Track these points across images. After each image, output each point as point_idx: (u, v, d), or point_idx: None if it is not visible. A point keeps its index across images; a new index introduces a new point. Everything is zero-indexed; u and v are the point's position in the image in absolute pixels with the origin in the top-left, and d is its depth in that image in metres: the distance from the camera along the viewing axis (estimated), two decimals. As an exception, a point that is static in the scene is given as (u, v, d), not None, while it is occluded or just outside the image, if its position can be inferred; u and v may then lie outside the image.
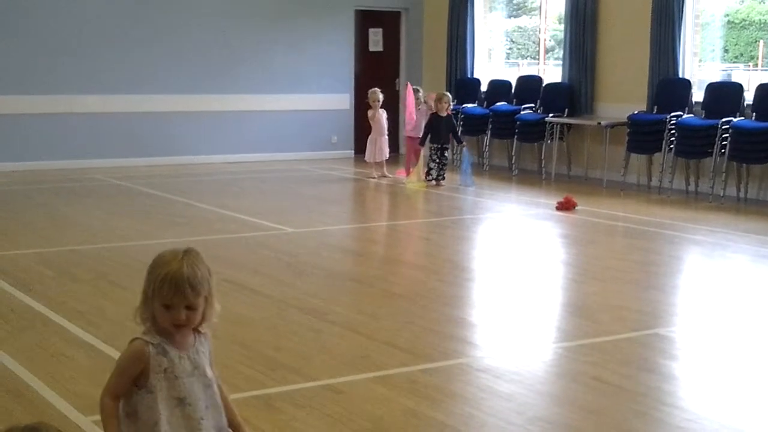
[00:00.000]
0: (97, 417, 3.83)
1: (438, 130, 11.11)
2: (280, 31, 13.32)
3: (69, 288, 6.08)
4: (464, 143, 11.42)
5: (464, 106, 12.82)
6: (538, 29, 14.00)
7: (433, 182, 10.98)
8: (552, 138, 11.81)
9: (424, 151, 11.24)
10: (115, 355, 4.66)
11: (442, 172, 11.08)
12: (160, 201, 9.81)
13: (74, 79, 12.14)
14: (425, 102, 11.58)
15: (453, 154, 11.66)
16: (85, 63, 12.17)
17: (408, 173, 11.41)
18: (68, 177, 11.35)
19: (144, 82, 12.54)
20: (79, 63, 12.15)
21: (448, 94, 11.58)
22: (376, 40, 14.41)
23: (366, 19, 14.26)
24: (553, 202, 9.53)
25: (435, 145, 11.10)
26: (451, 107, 11.61)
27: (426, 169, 11.06)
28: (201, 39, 12.84)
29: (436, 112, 11.17)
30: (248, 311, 5.56)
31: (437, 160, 11.08)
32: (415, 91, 11.71)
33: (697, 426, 3.85)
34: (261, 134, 13.36)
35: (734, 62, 15.02)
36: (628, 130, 10.86)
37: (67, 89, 12.12)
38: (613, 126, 11.13)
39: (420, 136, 11.38)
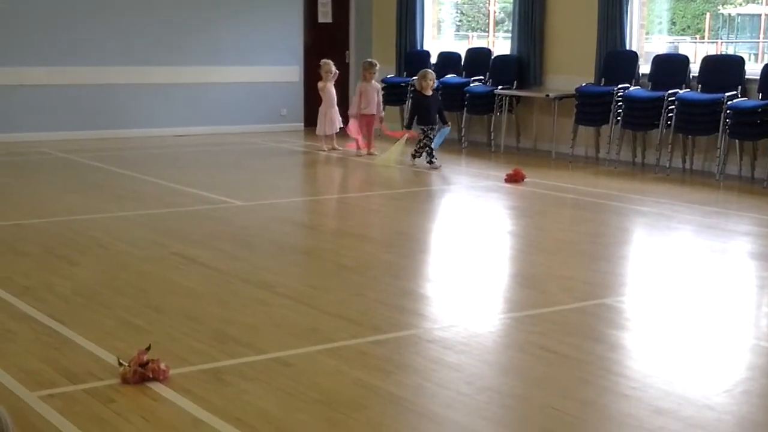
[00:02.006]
0: (45, 392, 3.83)
1: (427, 110, 10.41)
2: (228, 3, 13.19)
3: (15, 263, 6.00)
4: (449, 123, 10.78)
5: (414, 78, 12.79)
6: (487, 2, 14.02)
7: (433, 164, 10.24)
8: (501, 110, 11.85)
9: (408, 132, 10.58)
10: (63, 330, 4.63)
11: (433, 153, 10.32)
12: (108, 175, 9.71)
13: (20, 50, 11.93)
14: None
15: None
16: (30, 34, 11.96)
17: (358, 147, 11.35)
18: (14, 151, 11.18)
19: (91, 54, 12.36)
20: (25, 34, 11.94)
21: (432, 71, 10.86)
22: (324, 12, 14.32)
23: (315, -9, 14.16)
24: (502, 174, 9.58)
25: (424, 127, 10.37)
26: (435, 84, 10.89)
27: (428, 152, 10.28)
28: (148, 10, 12.68)
29: (420, 92, 10.56)
30: (197, 284, 5.54)
31: (427, 142, 10.33)
32: (371, 65, 11.54)
33: (642, 394, 3.92)
34: (210, 107, 13.26)
35: (681, 35, 15.17)
36: (576, 102, 10.94)
37: (13, 61, 11.91)
38: (561, 98, 11.21)
39: (372, 113, 11.30)
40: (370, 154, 11.18)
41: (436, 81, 10.88)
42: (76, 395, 3.82)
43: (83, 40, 12.29)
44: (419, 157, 10.41)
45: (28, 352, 4.33)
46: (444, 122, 10.69)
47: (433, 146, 10.36)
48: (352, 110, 11.43)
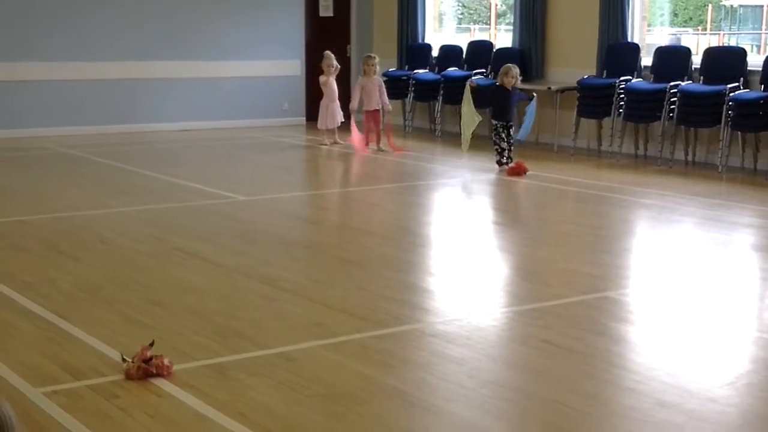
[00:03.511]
0: (48, 388, 3.83)
1: (506, 105, 9.82)
2: (229, -3, 13.19)
3: (17, 259, 6.01)
4: (535, 95, 10.04)
5: (415, 71, 12.80)
6: (488, -6, 14.00)
7: (505, 167, 9.59)
8: (503, 103, 11.81)
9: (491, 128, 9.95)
10: (66, 326, 4.63)
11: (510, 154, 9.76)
12: (109, 170, 9.71)
13: (21, 46, 11.92)
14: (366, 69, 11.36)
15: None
16: (32, 30, 11.95)
17: (367, 142, 11.27)
18: (16, 146, 11.18)
19: (93, 50, 12.34)
20: (26, 30, 11.92)
21: (515, 67, 10.00)
22: (326, 6, 14.30)
23: (316, -16, 14.14)
24: (505, 167, 9.57)
25: (500, 123, 9.77)
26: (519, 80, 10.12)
27: (498, 152, 9.73)
28: (150, 5, 12.65)
29: (501, 85, 9.91)
30: (200, 280, 5.54)
31: (506, 139, 9.73)
32: (370, 58, 11.50)
33: (645, 387, 3.92)
34: (211, 101, 13.24)
35: (683, 26, 15.15)
36: (578, 94, 10.92)
37: (14, 57, 11.90)
38: (563, 91, 11.19)
39: (374, 109, 11.25)
40: (380, 149, 11.12)
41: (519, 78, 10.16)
42: (79, 391, 3.82)
43: (85, 36, 12.27)
44: (505, 162, 9.68)
45: (31, 348, 4.33)
46: (529, 99, 9.98)
47: (526, 125, 9.92)
48: (353, 105, 11.39)
